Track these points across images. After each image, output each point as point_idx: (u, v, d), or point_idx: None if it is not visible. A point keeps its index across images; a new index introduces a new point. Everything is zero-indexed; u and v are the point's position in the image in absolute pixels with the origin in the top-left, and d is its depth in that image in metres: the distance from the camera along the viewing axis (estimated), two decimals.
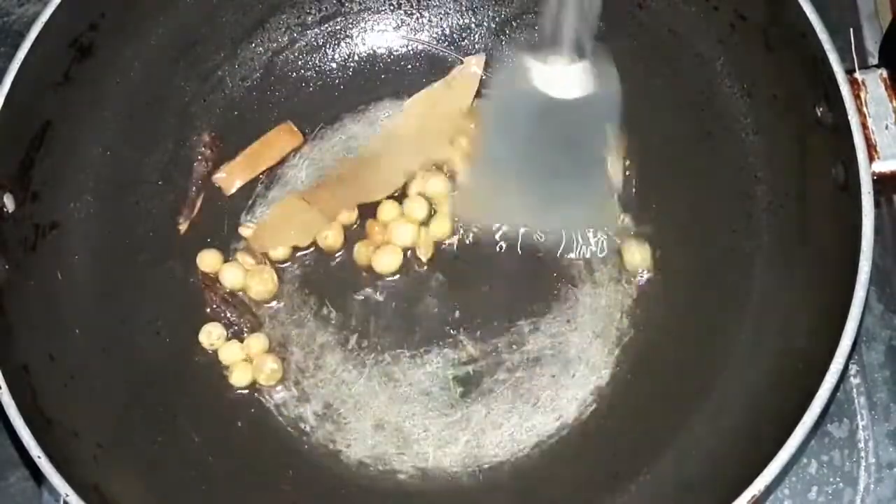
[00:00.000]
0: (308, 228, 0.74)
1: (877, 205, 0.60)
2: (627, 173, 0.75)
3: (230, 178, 0.76)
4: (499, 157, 0.71)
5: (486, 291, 0.73)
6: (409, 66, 0.79)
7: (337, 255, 0.75)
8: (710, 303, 0.70)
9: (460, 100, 0.76)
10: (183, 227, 0.75)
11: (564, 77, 0.66)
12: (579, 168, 0.70)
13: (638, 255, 0.72)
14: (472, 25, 0.79)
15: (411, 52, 0.79)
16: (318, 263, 0.75)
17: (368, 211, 0.75)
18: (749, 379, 0.66)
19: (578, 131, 0.69)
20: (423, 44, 0.79)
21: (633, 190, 0.75)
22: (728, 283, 0.70)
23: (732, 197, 0.71)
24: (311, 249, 0.75)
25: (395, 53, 0.79)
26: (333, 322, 0.73)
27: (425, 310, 0.73)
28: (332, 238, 0.74)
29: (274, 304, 0.74)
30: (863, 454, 0.71)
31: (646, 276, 0.72)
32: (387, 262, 0.73)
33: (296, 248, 0.75)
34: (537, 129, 0.69)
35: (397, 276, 0.74)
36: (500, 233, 0.74)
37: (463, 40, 0.79)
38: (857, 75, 0.64)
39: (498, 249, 0.74)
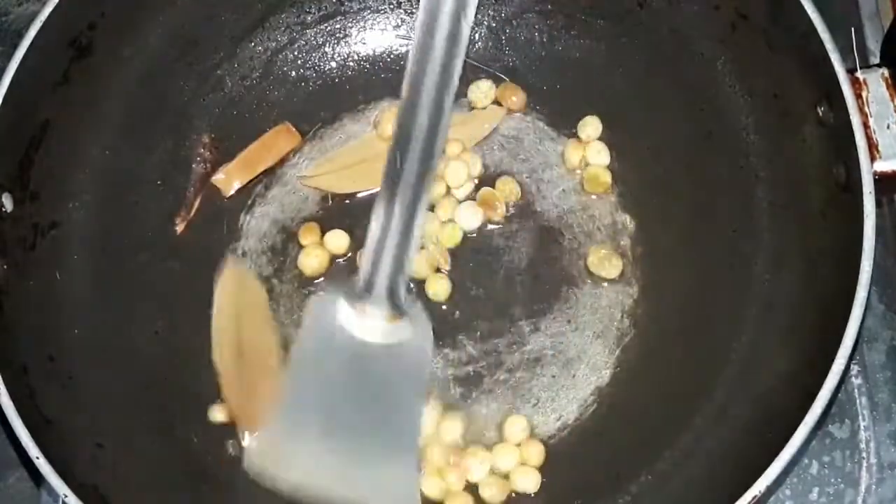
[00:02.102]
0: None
1: (878, 204, 0.60)
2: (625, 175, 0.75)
3: (228, 179, 0.76)
4: (304, 405, 0.67)
5: (486, 292, 0.73)
6: None
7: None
8: (711, 303, 0.70)
9: (466, 136, 0.76)
10: (180, 228, 0.75)
11: (379, 325, 0.66)
12: (387, 426, 0.67)
13: None
14: (473, 25, 0.79)
15: None
16: None
17: None
18: (750, 379, 0.66)
19: (390, 383, 0.67)
20: None
21: (633, 190, 0.75)
22: (728, 284, 0.70)
23: (733, 197, 0.71)
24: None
25: (395, 53, 0.79)
26: None
27: (425, 310, 0.73)
28: (316, 263, 0.74)
29: (271, 303, 0.74)
30: (864, 455, 0.71)
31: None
32: None
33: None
34: (347, 376, 0.67)
35: None
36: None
37: None
38: (859, 74, 0.64)
39: (498, 250, 0.74)
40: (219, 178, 0.76)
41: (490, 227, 0.75)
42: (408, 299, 0.66)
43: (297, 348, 0.70)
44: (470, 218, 0.74)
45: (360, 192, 0.75)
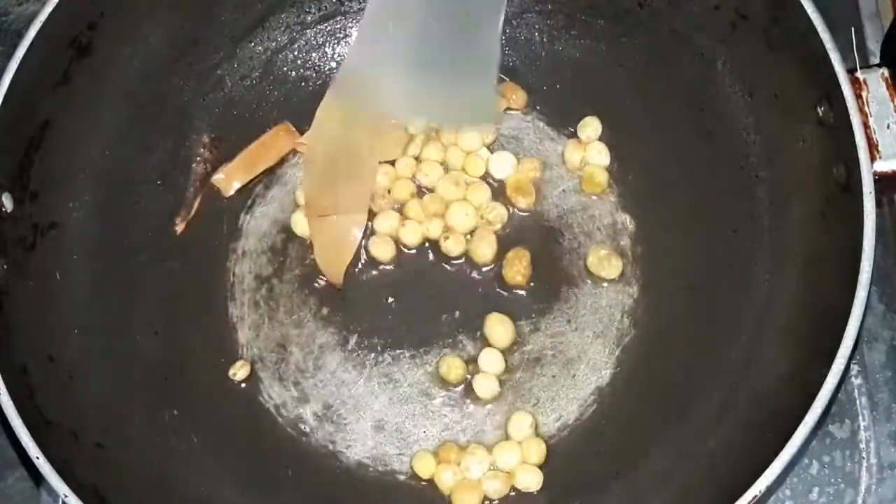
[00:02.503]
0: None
1: (878, 204, 0.60)
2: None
3: (228, 179, 0.76)
4: (383, 34, 0.70)
5: (487, 291, 0.73)
6: None
7: None
8: (711, 303, 0.70)
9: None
10: (179, 228, 0.75)
11: None
12: (465, 50, 0.69)
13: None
14: None
15: None
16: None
17: None
18: (750, 379, 0.66)
19: (466, 9, 0.68)
20: None
21: (633, 190, 0.75)
22: (729, 284, 0.70)
23: (733, 197, 0.71)
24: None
25: None
26: (333, 322, 0.73)
27: (425, 310, 0.73)
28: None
29: (271, 303, 0.74)
30: (864, 455, 0.71)
31: None
32: (383, 250, 0.74)
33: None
34: (423, 5, 0.68)
35: (397, 276, 0.74)
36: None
37: None
38: (859, 74, 0.64)
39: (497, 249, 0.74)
40: (219, 178, 0.76)
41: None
42: None
43: None
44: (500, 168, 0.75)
45: None
